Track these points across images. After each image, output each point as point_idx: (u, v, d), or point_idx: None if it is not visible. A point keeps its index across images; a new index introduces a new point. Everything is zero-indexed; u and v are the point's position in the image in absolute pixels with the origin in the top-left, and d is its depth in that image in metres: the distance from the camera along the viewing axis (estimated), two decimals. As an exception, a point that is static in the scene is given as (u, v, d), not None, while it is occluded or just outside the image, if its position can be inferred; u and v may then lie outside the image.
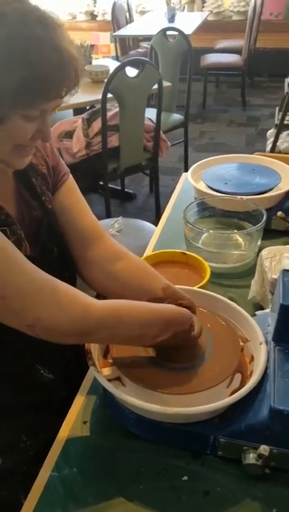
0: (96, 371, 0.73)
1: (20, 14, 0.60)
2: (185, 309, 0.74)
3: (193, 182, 1.29)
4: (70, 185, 0.86)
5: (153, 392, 0.71)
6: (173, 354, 0.75)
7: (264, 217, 1.11)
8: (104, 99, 2.18)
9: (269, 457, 0.65)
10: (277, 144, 3.26)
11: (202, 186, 1.30)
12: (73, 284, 0.86)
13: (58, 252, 0.83)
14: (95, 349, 0.77)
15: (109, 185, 2.51)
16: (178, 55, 3.01)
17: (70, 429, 0.75)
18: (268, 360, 0.73)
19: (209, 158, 1.43)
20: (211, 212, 1.22)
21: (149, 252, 1.18)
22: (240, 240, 1.16)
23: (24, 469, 0.78)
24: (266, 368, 0.72)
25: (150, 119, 2.44)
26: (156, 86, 2.33)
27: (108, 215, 2.49)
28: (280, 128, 3.17)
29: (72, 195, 0.87)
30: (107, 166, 2.31)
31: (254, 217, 1.18)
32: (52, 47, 0.61)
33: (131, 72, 2.29)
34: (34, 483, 0.68)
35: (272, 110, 4.62)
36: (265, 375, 0.72)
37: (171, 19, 4.46)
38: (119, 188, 3.06)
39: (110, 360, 0.80)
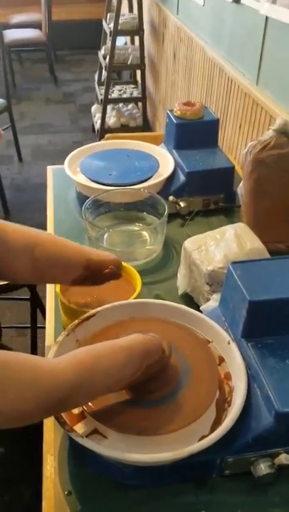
0: (77, 436, 0.60)
1: None
2: (152, 334, 0.66)
3: (75, 178, 1.17)
4: None
5: (142, 437, 0.62)
6: (148, 386, 0.66)
7: (166, 208, 1.06)
8: None
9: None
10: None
11: (83, 180, 1.19)
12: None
13: None
14: None
15: None
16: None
17: (54, 507, 0.62)
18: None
19: (78, 149, 1.32)
20: (106, 208, 1.12)
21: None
22: (146, 233, 1.10)
23: None
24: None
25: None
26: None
27: None
28: (106, 103, 3.15)
29: None
30: None
31: (151, 206, 1.13)
32: None
33: None
34: None
35: (84, 84, 4.58)
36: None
37: None
38: None
39: (76, 413, 0.68)
